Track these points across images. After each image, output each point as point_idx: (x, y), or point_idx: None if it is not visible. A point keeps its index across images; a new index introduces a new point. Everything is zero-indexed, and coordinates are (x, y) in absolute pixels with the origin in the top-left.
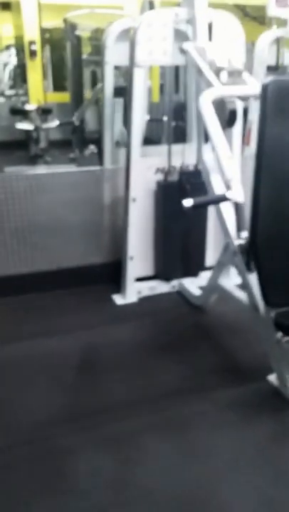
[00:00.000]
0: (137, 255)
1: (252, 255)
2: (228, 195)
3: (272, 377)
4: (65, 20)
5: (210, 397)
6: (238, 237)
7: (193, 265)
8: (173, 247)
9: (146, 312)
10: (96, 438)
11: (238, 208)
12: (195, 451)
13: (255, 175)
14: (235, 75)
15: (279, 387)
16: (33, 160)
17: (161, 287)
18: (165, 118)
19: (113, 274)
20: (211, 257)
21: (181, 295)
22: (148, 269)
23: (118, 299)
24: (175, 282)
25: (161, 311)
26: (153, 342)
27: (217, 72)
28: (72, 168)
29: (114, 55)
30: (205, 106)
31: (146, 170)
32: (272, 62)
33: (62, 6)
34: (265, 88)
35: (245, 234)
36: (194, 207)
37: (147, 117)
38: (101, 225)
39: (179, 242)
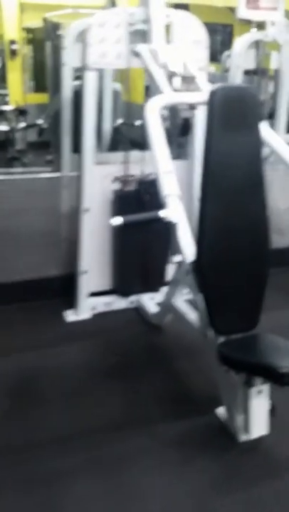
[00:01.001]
0: (93, 269)
1: (198, 276)
2: (162, 213)
3: (221, 411)
4: (44, 20)
5: (153, 431)
6: (172, 261)
7: (153, 280)
8: (131, 260)
9: (98, 331)
10: (20, 477)
11: (174, 228)
12: (126, 497)
13: (202, 189)
14: (188, 81)
15: (227, 423)
16: (10, 162)
17: (118, 303)
18: (137, 122)
19: (69, 288)
20: (172, 271)
21: (139, 312)
22: (105, 284)
23: (70, 316)
24: (133, 298)
25: (115, 330)
26: (101, 366)
27: (170, 77)
28: (43, 172)
29: (74, 56)
30: (150, 114)
31: (102, 178)
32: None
33: (48, 5)
34: (212, 96)
35: (178, 258)
36: (124, 226)
37: (120, 120)
38: (58, 235)
39: (138, 255)
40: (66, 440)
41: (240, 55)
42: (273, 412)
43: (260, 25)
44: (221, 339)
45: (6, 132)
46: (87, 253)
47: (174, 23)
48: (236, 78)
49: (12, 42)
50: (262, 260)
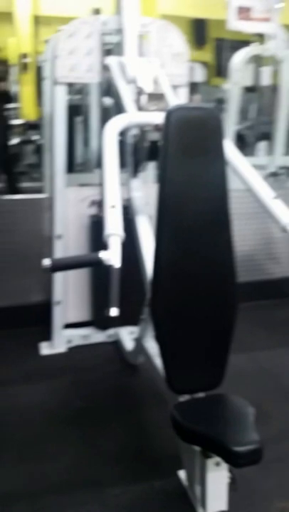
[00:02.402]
0: (71, 298)
1: (153, 325)
2: (102, 255)
3: (183, 474)
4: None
5: (102, 495)
6: (108, 313)
7: (133, 312)
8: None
9: (70, 368)
10: None
11: (114, 273)
12: None
13: (157, 225)
14: (158, 99)
15: (187, 489)
16: (19, 177)
17: (96, 336)
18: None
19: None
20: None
21: (118, 346)
22: (83, 315)
23: (45, 348)
24: (112, 331)
25: (88, 368)
26: (64, 411)
27: (139, 94)
28: None
29: None
30: (107, 135)
31: (79, 202)
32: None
33: (68, 18)
34: (166, 117)
35: (114, 312)
36: (53, 269)
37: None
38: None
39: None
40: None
41: (238, 71)
42: (234, 485)
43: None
44: (185, 396)
45: (14, 146)
46: (61, 282)
47: (152, 34)
48: (233, 95)
49: (24, 55)
50: (227, 308)
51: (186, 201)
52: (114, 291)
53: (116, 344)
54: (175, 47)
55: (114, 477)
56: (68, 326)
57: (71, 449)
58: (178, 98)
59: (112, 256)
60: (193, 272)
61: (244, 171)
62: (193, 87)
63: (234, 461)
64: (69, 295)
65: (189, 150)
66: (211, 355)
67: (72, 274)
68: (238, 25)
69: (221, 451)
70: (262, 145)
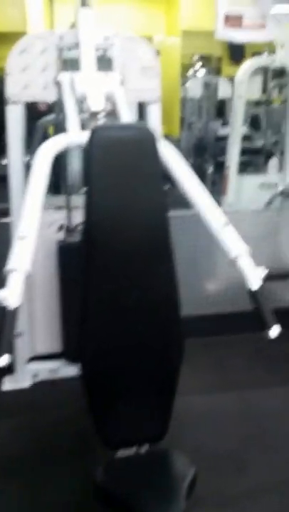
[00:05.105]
0: (39, 328)
1: (80, 368)
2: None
3: None
4: None
5: None
6: None
7: None
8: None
9: (30, 405)
10: None
11: (9, 315)
12: None
13: (85, 259)
14: (110, 117)
15: None
16: None
17: (65, 370)
18: None
19: None
20: None
21: None
22: (54, 346)
23: (7, 382)
24: None
25: (50, 406)
26: (13, 456)
27: (92, 114)
28: None
29: None
30: (38, 158)
31: (47, 226)
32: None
33: None
34: (90, 137)
35: (4, 360)
36: None
37: None
38: None
39: None
40: None
41: (242, 84)
42: None
43: None
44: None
45: None
46: (23, 311)
47: (115, 48)
48: (238, 109)
49: None
50: (169, 347)
51: (118, 229)
52: (7, 334)
53: None
54: (144, 60)
55: None
56: (37, 358)
57: (9, 499)
58: (151, 115)
59: (10, 295)
60: (129, 307)
61: (192, 190)
62: (222, 104)
63: None
64: (36, 324)
65: (119, 173)
66: (148, 403)
67: (39, 301)
68: (227, 34)
69: None
70: (273, 162)
